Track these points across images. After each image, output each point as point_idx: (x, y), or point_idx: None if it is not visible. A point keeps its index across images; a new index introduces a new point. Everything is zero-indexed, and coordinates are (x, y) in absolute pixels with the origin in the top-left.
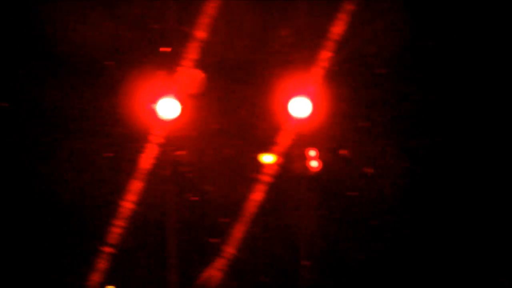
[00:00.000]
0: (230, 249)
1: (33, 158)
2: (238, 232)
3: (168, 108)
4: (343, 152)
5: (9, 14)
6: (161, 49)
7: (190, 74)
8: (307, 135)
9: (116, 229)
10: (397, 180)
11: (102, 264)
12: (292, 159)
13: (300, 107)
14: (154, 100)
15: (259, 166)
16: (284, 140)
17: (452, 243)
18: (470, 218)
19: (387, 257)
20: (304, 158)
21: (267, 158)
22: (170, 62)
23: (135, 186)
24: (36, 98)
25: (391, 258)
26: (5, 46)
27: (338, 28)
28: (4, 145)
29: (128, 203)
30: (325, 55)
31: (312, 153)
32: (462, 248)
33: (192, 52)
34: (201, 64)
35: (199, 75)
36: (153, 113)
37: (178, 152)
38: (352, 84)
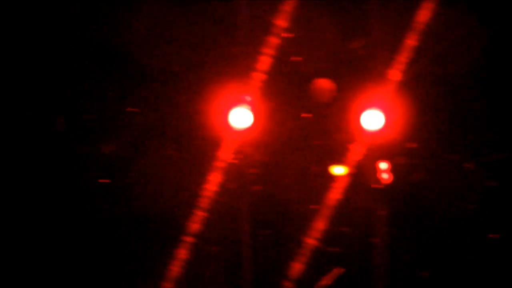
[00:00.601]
0: (299, 261)
1: (114, 162)
2: (309, 243)
3: (241, 117)
4: (468, 165)
5: (89, 26)
6: (292, 58)
7: (320, 83)
8: (379, 148)
9: (189, 236)
10: (472, 195)
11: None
12: (363, 171)
13: (372, 119)
14: (227, 109)
15: (331, 177)
16: (356, 152)
17: None
18: None
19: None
20: (376, 171)
21: (338, 170)
22: (243, 71)
23: (209, 192)
24: (111, 107)
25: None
26: (87, 58)
27: (412, 40)
28: (88, 152)
29: (202, 210)
30: (399, 67)
31: (384, 165)
32: None
33: (264, 62)
34: (273, 74)
35: (330, 85)
36: (226, 122)
37: (251, 161)
38: (426, 96)
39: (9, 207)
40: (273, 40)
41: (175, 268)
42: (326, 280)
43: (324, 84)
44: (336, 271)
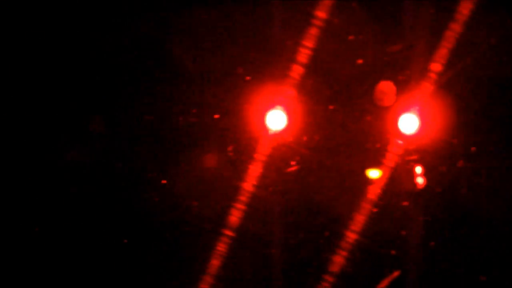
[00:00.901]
0: (335, 264)
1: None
2: (344, 245)
3: (276, 120)
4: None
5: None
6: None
7: (383, 86)
8: (414, 152)
9: (225, 237)
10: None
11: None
12: (399, 175)
13: (408, 123)
14: (263, 112)
15: (366, 181)
16: (391, 156)
17: None
18: None
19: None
20: (411, 175)
21: (374, 174)
22: (278, 74)
23: (245, 192)
24: (153, 109)
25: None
26: (129, 60)
27: (449, 42)
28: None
29: (236, 210)
30: (435, 71)
31: (419, 169)
32: None
33: (299, 64)
34: (308, 76)
35: (391, 88)
36: (262, 125)
37: (286, 164)
38: (463, 100)
39: (61, 205)
40: (309, 43)
41: (212, 263)
42: (385, 283)
43: (386, 88)
44: (394, 274)
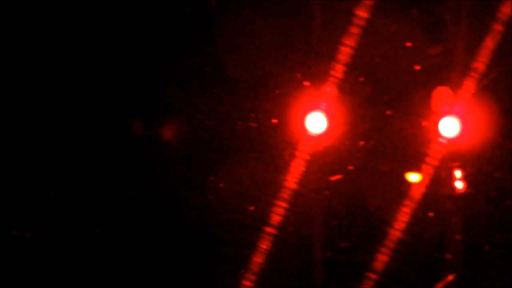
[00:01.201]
0: (375, 268)
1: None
2: (383, 251)
3: (316, 123)
4: None
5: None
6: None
7: (441, 92)
8: (455, 155)
9: (269, 236)
10: None
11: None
12: (438, 179)
13: (449, 127)
14: (306, 114)
15: (406, 184)
16: (434, 159)
17: None
18: None
19: None
20: (451, 178)
21: (414, 177)
22: (317, 77)
23: (285, 195)
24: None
25: None
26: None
27: (489, 47)
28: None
29: (276, 212)
30: (476, 74)
31: (459, 173)
32: None
33: (338, 68)
34: (348, 79)
35: (449, 93)
36: (303, 127)
37: (326, 167)
38: (506, 103)
39: (121, 207)
40: (348, 46)
41: (257, 261)
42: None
43: (443, 93)
44: (449, 278)
